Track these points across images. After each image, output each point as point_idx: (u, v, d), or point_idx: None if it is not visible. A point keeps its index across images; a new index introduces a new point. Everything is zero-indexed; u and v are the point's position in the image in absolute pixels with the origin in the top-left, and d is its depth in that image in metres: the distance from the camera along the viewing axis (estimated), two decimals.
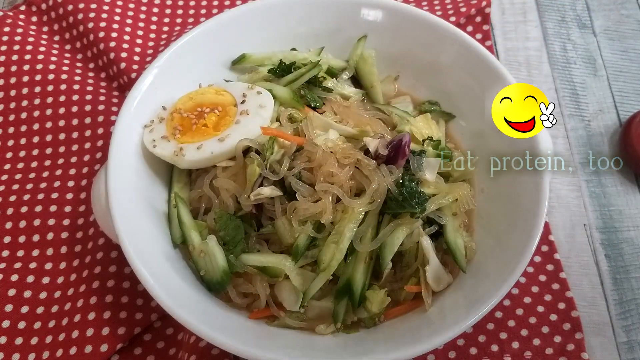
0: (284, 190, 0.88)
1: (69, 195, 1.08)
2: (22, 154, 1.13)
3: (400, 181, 0.87)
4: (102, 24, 1.22)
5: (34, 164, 1.11)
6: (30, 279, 1.01)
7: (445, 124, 1.07)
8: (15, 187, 1.09)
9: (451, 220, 0.92)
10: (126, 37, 1.22)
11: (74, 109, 1.14)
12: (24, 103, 1.16)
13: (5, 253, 1.03)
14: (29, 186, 1.09)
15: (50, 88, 1.16)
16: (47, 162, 1.12)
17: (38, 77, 1.17)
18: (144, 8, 1.29)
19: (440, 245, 0.92)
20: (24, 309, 0.98)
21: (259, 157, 0.89)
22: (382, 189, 0.86)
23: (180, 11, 1.31)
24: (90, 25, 1.22)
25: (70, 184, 1.09)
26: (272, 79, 1.05)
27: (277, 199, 0.88)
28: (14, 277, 1.01)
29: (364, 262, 0.87)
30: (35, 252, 1.03)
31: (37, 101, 1.15)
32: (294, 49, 1.09)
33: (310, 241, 0.87)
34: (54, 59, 1.20)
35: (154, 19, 1.29)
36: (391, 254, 0.87)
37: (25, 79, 1.17)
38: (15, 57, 1.19)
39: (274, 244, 0.91)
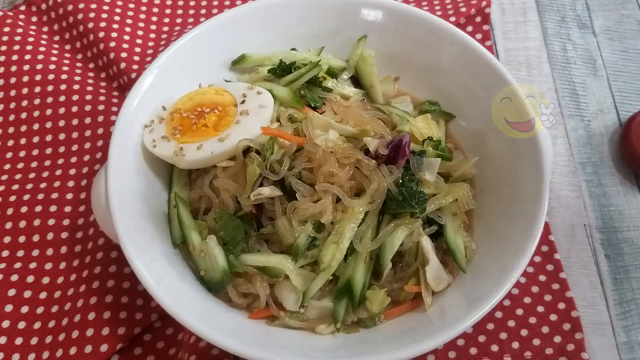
0: (284, 190, 0.88)
1: (69, 195, 1.08)
2: (22, 154, 1.13)
3: (400, 181, 0.87)
4: (102, 24, 1.22)
5: (34, 164, 1.11)
6: (30, 279, 1.01)
7: (445, 124, 1.07)
8: (15, 187, 1.09)
9: (451, 220, 0.92)
10: (126, 37, 1.22)
11: (74, 109, 1.14)
12: (24, 103, 1.16)
13: (5, 253, 1.03)
14: (29, 186, 1.09)
15: (50, 88, 1.16)
16: (47, 162, 1.12)
17: (38, 77, 1.17)
18: (144, 8, 1.29)
19: (440, 245, 0.92)
20: (24, 309, 0.98)
21: (259, 157, 0.89)
22: (382, 189, 0.86)
23: (180, 11, 1.31)
24: (90, 25, 1.22)
25: (70, 184, 1.09)
26: (272, 79, 1.04)
27: (277, 199, 0.88)
28: (14, 277, 1.01)
29: (364, 262, 0.87)
30: (35, 252, 1.03)
31: (37, 101, 1.15)
32: (294, 49, 1.09)
33: (310, 241, 0.87)
34: (54, 59, 1.20)
35: (154, 19, 1.29)
36: (391, 254, 0.87)
37: (25, 79, 1.17)
38: (15, 57, 1.19)
39: (274, 244, 0.91)
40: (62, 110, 1.14)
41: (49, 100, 1.15)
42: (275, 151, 0.90)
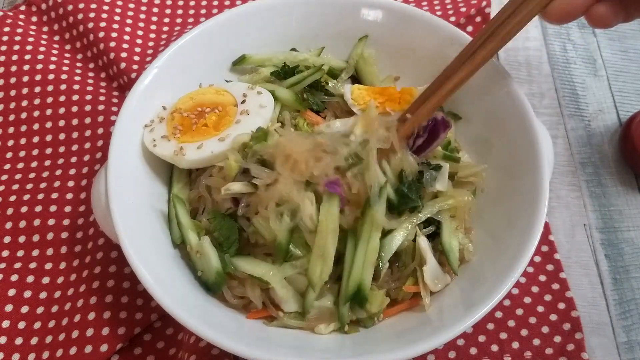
0: None
1: (69, 195, 1.08)
2: (22, 154, 1.13)
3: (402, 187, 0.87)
4: (102, 24, 1.22)
5: (34, 164, 1.12)
6: (30, 279, 1.01)
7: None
8: (15, 187, 1.09)
9: (448, 222, 0.91)
10: (126, 37, 1.22)
11: (74, 109, 1.14)
12: (24, 103, 1.16)
13: (5, 253, 1.03)
14: (29, 186, 1.09)
15: (50, 88, 1.16)
16: (47, 162, 1.12)
17: (38, 77, 1.17)
18: (144, 8, 1.29)
19: (438, 246, 0.92)
20: (24, 309, 0.98)
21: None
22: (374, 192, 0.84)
23: (180, 11, 1.31)
24: (90, 25, 1.22)
25: (70, 184, 1.09)
26: (274, 80, 1.05)
27: (246, 196, 0.85)
28: (14, 277, 1.01)
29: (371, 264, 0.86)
30: (35, 252, 1.03)
31: (37, 101, 1.15)
32: (294, 49, 1.09)
33: (290, 234, 0.83)
34: (54, 59, 1.20)
35: (154, 19, 1.29)
36: (389, 254, 0.86)
37: (25, 79, 1.17)
38: (15, 57, 1.18)
39: (262, 244, 0.88)
40: (62, 110, 1.14)
41: (49, 100, 1.15)
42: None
